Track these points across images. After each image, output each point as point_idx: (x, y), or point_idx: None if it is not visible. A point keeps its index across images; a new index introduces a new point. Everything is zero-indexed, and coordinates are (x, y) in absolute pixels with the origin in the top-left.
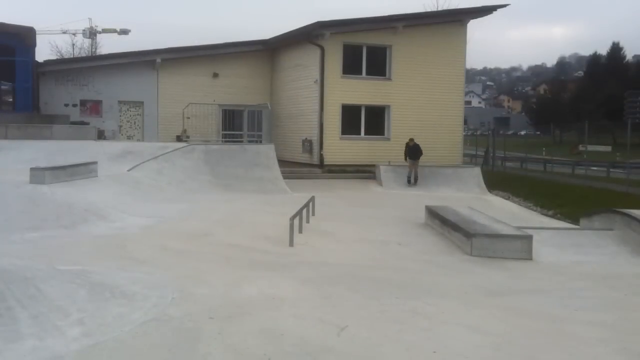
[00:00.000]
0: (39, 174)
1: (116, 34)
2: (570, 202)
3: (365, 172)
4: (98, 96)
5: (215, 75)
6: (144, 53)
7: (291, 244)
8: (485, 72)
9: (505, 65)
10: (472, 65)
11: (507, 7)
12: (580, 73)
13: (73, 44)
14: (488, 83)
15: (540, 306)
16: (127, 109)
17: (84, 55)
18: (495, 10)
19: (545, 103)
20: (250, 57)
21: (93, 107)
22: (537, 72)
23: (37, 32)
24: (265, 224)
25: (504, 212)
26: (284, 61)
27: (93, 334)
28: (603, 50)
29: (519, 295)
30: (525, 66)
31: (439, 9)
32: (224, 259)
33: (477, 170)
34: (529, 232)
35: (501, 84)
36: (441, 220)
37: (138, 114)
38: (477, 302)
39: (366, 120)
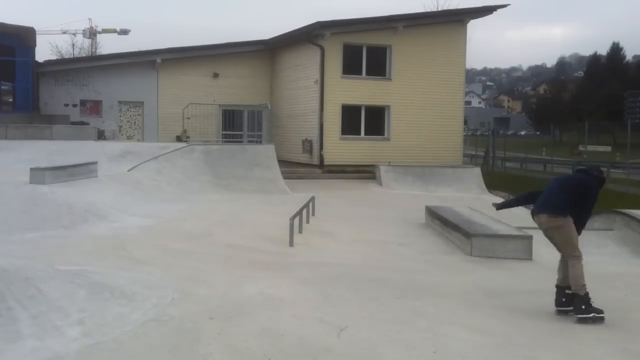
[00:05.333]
0: (39, 174)
1: (116, 34)
2: None
3: (365, 172)
4: (98, 96)
5: (216, 75)
6: (144, 53)
7: (291, 244)
8: (485, 72)
9: (505, 65)
10: (472, 65)
11: (507, 7)
12: (580, 73)
13: (73, 44)
14: (488, 83)
15: (540, 306)
16: (127, 109)
17: (84, 55)
18: (495, 10)
19: (545, 103)
20: (251, 57)
21: (93, 107)
22: (537, 72)
23: (37, 32)
24: (266, 224)
25: (504, 212)
26: (284, 61)
27: (93, 334)
28: (603, 50)
29: (519, 295)
30: (525, 66)
31: (439, 9)
32: (224, 259)
33: (477, 171)
34: (529, 232)
35: (501, 84)
36: (441, 221)
37: (138, 114)
38: (477, 302)
39: (366, 121)
